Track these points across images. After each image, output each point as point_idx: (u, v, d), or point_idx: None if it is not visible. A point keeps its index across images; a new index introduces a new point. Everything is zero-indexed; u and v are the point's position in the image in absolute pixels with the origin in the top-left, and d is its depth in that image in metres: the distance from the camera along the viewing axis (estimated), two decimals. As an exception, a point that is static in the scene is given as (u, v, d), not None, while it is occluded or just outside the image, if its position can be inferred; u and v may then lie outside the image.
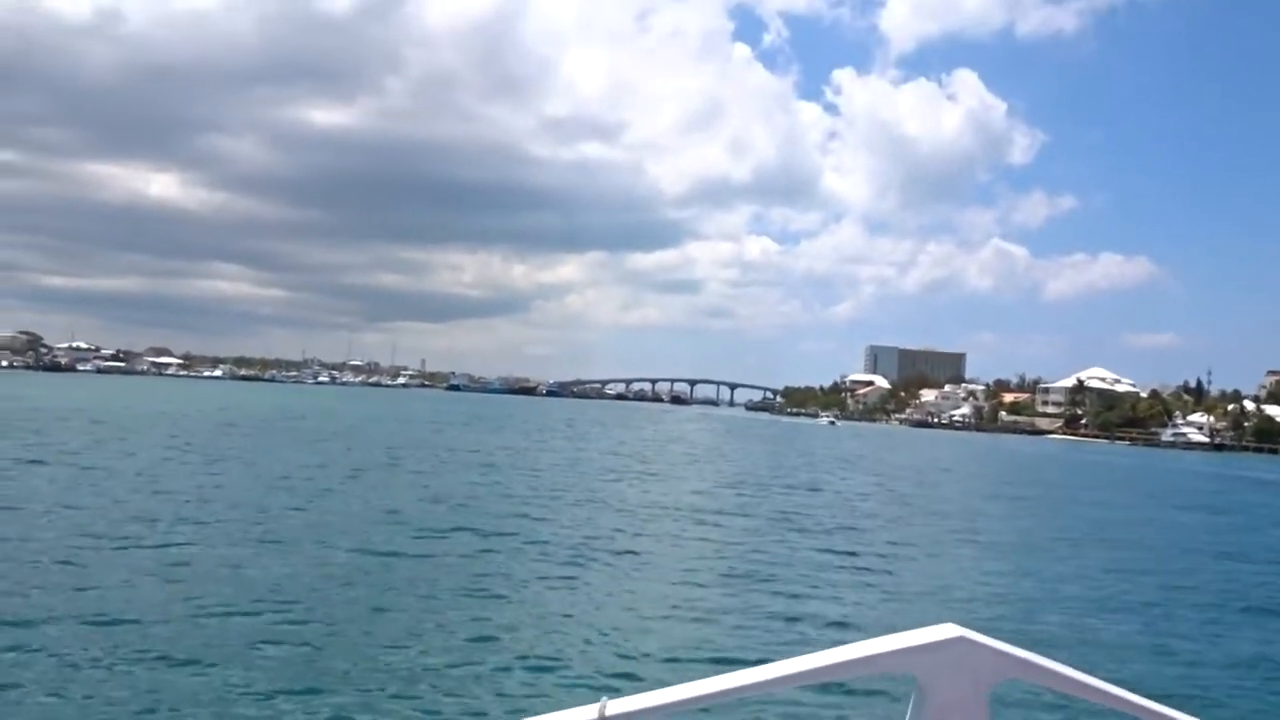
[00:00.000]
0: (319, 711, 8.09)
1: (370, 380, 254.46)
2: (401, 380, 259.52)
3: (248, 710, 8.03)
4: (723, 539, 19.69)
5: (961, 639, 1.41)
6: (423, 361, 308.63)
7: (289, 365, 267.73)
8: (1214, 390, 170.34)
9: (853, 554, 18.48)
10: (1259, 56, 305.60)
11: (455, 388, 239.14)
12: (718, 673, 1.42)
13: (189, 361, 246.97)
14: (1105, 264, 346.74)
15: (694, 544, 18.82)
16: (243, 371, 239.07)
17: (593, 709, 1.31)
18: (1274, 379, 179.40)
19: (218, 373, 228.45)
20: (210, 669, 8.91)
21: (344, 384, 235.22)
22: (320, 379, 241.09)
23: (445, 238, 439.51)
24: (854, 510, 26.83)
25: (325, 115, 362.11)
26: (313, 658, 9.56)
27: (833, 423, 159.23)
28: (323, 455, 33.77)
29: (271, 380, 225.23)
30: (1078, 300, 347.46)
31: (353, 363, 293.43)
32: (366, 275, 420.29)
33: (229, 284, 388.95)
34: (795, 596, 14.14)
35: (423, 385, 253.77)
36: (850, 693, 8.65)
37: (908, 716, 1.43)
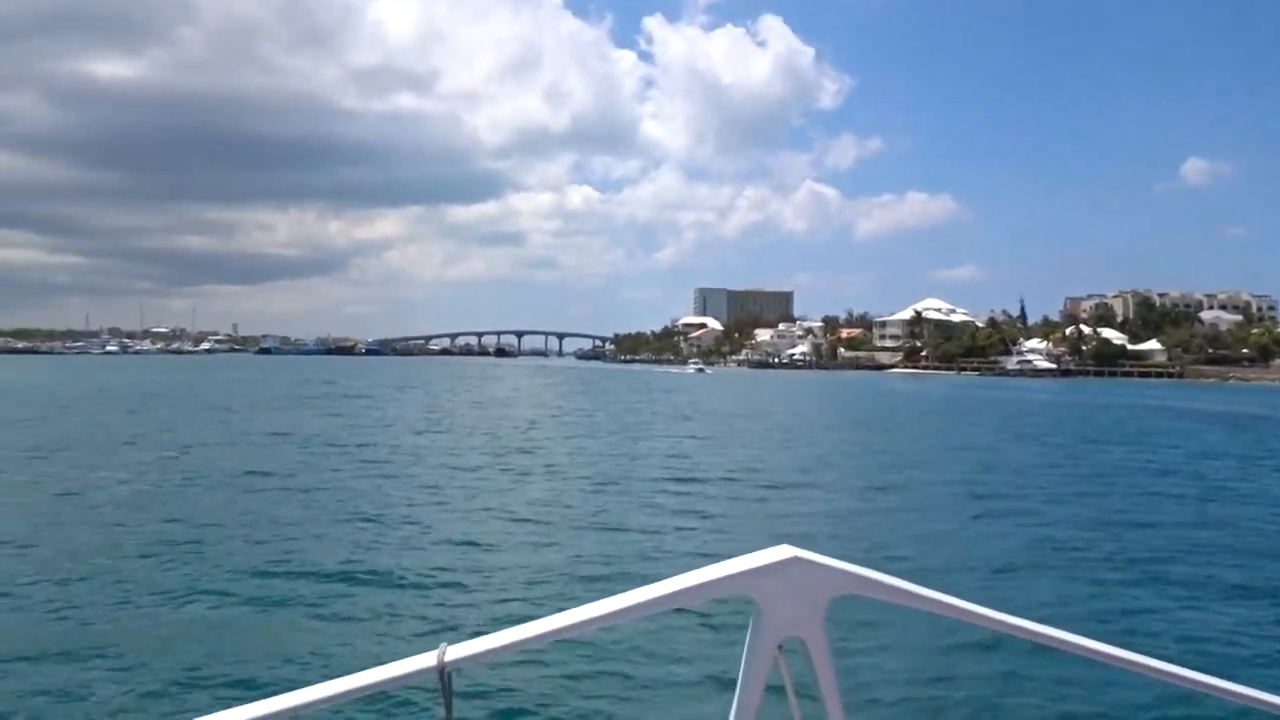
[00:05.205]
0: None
1: (170, 348, 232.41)
2: (206, 346, 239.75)
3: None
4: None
5: (796, 559, 1.41)
6: (234, 326, 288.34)
7: (79, 336, 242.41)
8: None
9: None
10: (1055, 5, 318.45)
11: (267, 351, 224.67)
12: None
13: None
14: (911, 203, 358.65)
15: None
16: (20, 345, 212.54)
17: (431, 656, 1.27)
18: (1093, 302, 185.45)
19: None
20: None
21: (137, 352, 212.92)
22: (109, 348, 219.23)
23: (253, 196, 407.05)
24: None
25: (110, 68, 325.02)
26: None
27: (701, 370, 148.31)
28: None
29: (48, 353, 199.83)
30: (887, 237, 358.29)
31: (154, 329, 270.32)
32: (168, 238, 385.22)
33: (17, 252, 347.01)
34: None
35: (232, 350, 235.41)
36: (693, 621, 8.58)
37: (748, 637, 1.44)
